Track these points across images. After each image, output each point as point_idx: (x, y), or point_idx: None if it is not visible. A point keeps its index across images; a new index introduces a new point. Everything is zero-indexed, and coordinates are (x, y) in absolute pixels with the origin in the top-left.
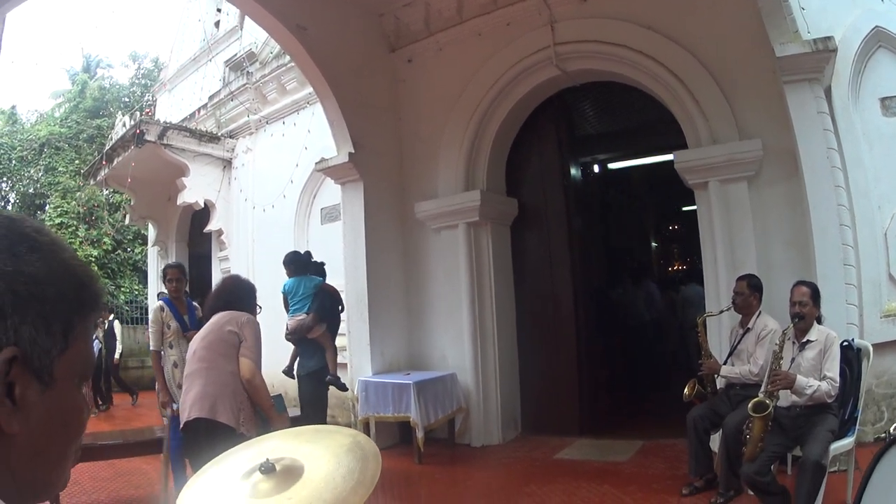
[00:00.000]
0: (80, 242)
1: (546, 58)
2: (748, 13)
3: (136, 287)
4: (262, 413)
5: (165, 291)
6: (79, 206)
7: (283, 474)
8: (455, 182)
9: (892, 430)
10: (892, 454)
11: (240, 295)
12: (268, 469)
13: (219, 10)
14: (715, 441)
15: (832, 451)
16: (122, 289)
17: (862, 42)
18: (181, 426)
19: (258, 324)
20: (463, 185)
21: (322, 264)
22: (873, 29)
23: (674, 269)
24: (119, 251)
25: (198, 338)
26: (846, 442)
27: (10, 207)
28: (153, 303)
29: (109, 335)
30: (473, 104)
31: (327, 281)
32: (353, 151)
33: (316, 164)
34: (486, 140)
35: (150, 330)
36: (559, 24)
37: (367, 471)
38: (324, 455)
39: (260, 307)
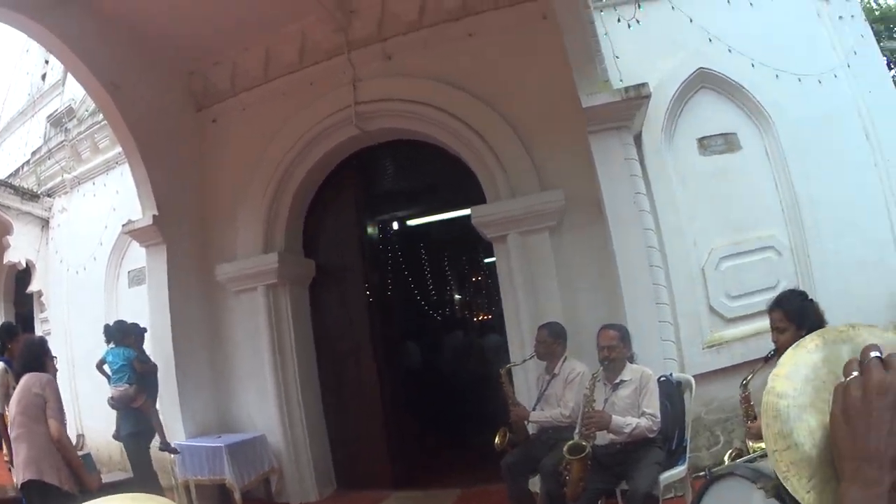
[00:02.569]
0: None
1: (347, 117)
2: (556, 66)
3: None
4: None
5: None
6: None
7: None
8: (254, 244)
9: (727, 457)
10: (713, 492)
11: (32, 355)
12: None
13: (46, 62)
14: (534, 483)
15: (663, 480)
16: None
17: (682, 84)
18: (19, 487)
19: (55, 382)
20: (262, 247)
21: (144, 329)
22: (697, 70)
23: (479, 319)
24: None
25: (13, 402)
26: (679, 470)
27: None
28: None
29: None
30: (274, 164)
31: (146, 344)
32: (157, 214)
33: (123, 226)
34: (284, 201)
35: None
36: (362, 83)
37: None
38: None
39: (55, 357)
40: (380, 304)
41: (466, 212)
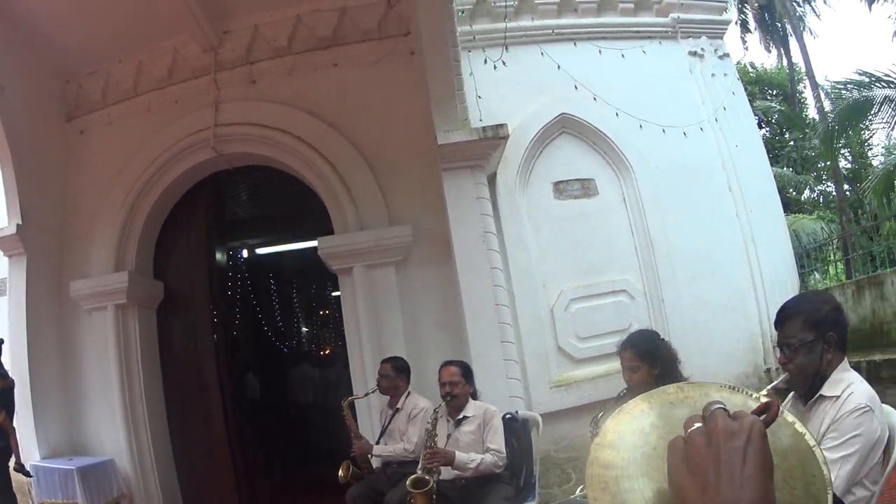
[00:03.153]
0: None
1: (205, 139)
2: (418, 102)
3: None
4: None
5: None
6: None
7: None
8: (107, 262)
9: (578, 492)
10: None
11: None
12: None
13: None
14: None
15: None
16: None
17: (543, 127)
18: None
19: None
20: (113, 266)
21: (1, 341)
22: (559, 115)
23: (326, 352)
24: None
25: None
26: None
27: None
28: None
29: None
30: (131, 181)
31: (5, 358)
32: (20, 223)
33: None
34: (138, 220)
35: None
36: (224, 105)
37: None
38: None
39: None
40: (226, 333)
41: (312, 244)
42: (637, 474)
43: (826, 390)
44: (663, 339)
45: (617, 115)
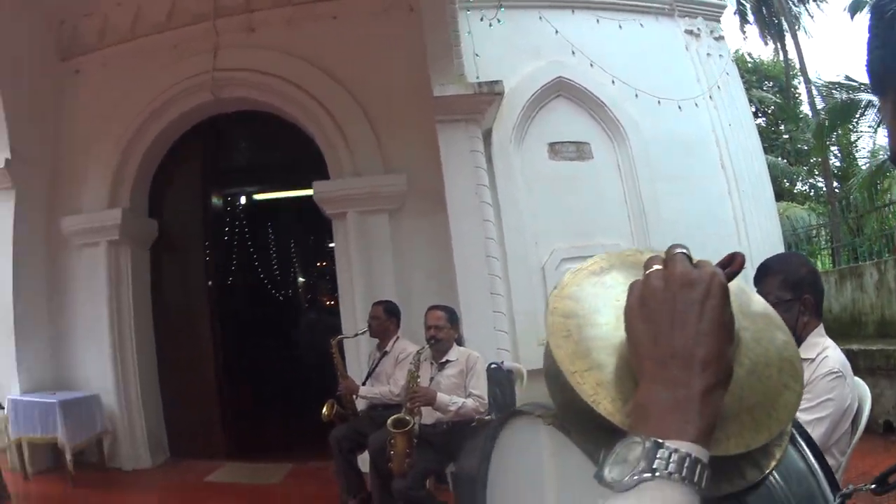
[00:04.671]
0: None
1: (203, 82)
2: (415, 57)
3: None
4: None
5: None
6: None
7: None
8: (100, 199)
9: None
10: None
11: None
12: None
13: None
14: (364, 461)
15: None
16: None
17: (540, 89)
18: None
19: None
20: (107, 202)
21: None
22: (556, 78)
23: (321, 302)
24: None
25: None
26: None
27: None
28: None
29: None
30: (127, 121)
31: None
32: (9, 158)
33: None
34: (134, 159)
35: None
36: (223, 51)
37: None
38: None
39: None
40: (220, 277)
41: (309, 192)
42: (600, 322)
43: (801, 353)
44: None
45: (613, 82)
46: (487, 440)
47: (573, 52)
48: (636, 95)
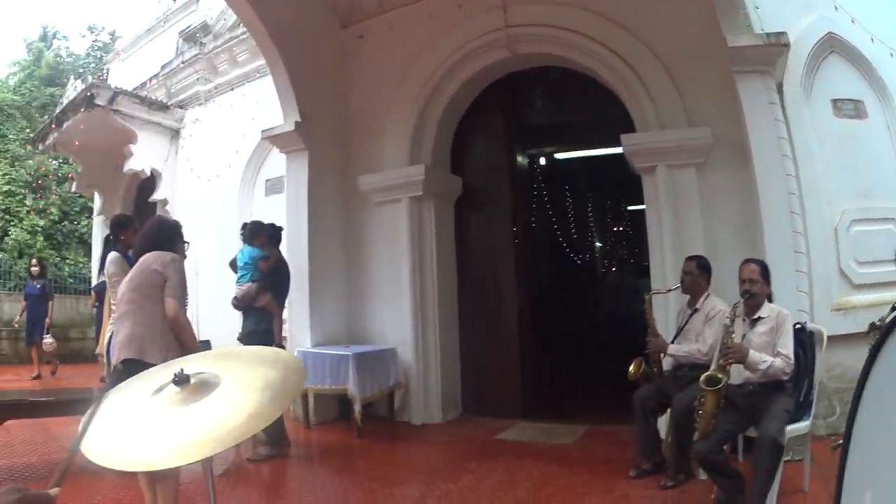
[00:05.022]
0: (28, 211)
1: (496, 39)
2: (702, 5)
3: (81, 260)
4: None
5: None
6: (27, 174)
7: (197, 386)
8: (400, 156)
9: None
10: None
11: (164, 235)
12: (181, 380)
13: None
14: (662, 425)
15: (788, 431)
16: (67, 261)
17: (815, 45)
18: (111, 369)
19: (182, 262)
20: (408, 160)
21: (279, 229)
22: (826, 34)
23: (623, 266)
24: (65, 222)
25: (125, 281)
26: (802, 425)
27: None
28: (96, 275)
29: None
30: (421, 82)
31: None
32: (299, 121)
33: (263, 131)
34: (432, 117)
35: (109, 280)
36: (512, 7)
37: (287, 383)
38: (244, 369)
39: (188, 243)
40: (524, 236)
41: (612, 150)
42: None
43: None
44: None
45: (872, 41)
46: (869, 355)
47: (836, 8)
48: (891, 55)
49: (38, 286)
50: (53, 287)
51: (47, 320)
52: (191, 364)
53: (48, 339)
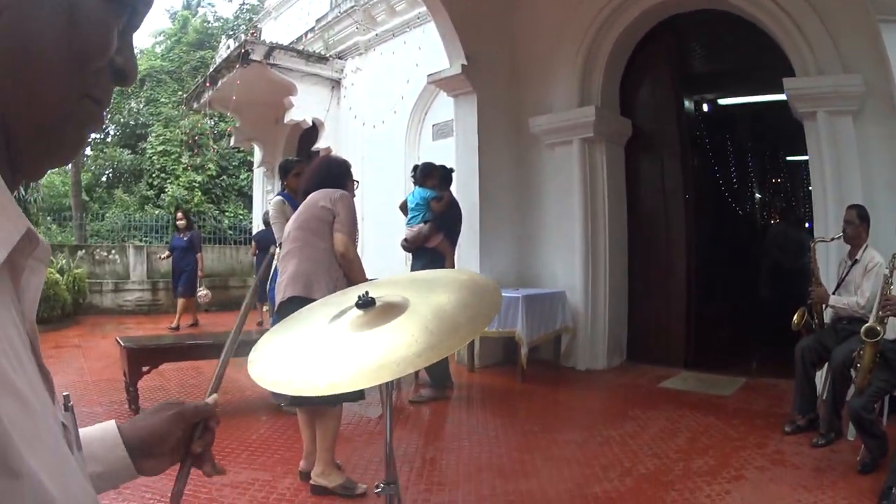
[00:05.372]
0: (184, 168)
1: None
2: None
3: (241, 212)
4: None
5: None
6: (182, 133)
7: (384, 309)
8: (570, 98)
9: None
10: None
11: (333, 173)
12: (366, 303)
13: None
14: (818, 381)
15: None
16: (227, 213)
17: None
18: (276, 307)
19: (352, 199)
20: (577, 101)
21: (450, 171)
22: None
23: (781, 219)
24: (224, 177)
25: (292, 219)
26: None
27: (109, 139)
28: (257, 225)
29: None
30: (586, 23)
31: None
32: (465, 63)
33: (428, 76)
34: (599, 59)
35: (274, 224)
36: None
37: (483, 303)
38: (433, 291)
39: (357, 182)
40: (694, 181)
41: (771, 97)
42: None
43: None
44: None
45: None
46: None
47: None
48: None
49: (185, 238)
50: (213, 238)
51: (200, 272)
52: (377, 289)
53: (202, 291)
